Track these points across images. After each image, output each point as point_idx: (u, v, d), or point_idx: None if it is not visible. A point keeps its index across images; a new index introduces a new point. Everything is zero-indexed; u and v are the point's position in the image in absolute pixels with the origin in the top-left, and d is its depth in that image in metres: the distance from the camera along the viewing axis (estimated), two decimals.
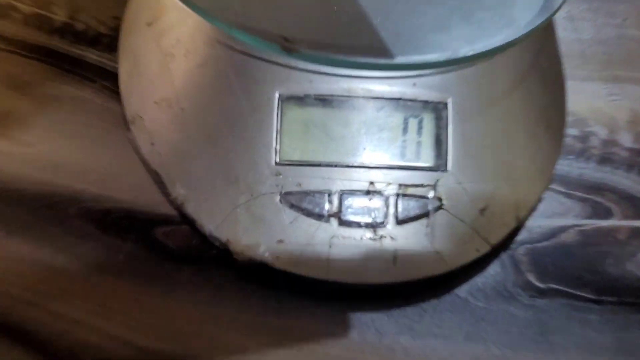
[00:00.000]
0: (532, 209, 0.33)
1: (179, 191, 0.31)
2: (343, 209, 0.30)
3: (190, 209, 0.30)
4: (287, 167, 0.30)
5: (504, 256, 0.33)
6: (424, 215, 0.30)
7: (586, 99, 0.37)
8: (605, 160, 0.36)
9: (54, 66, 0.36)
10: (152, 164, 0.31)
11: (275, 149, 0.30)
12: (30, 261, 0.31)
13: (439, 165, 0.31)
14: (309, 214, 0.30)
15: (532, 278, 0.33)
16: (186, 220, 0.31)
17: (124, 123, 0.33)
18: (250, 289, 0.32)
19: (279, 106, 0.30)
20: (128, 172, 0.33)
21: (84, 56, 0.37)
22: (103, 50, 0.37)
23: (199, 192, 0.30)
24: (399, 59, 0.28)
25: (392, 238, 0.30)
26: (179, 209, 0.31)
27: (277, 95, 0.30)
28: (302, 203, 0.30)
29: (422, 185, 0.30)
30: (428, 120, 0.31)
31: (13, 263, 0.31)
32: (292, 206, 0.30)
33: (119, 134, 0.34)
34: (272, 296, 0.32)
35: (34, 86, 0.35)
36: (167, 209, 0.32)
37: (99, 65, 0.37)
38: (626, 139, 0.36)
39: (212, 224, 0.30)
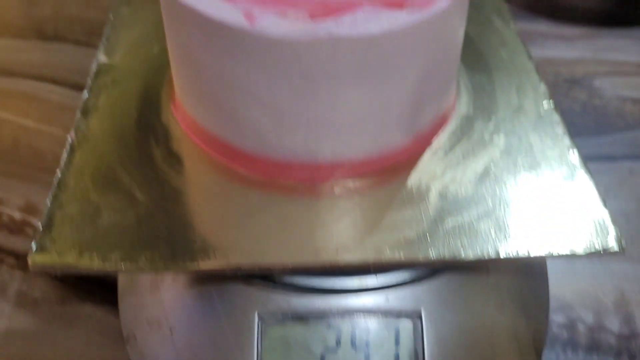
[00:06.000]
0: None
1: None
2: None
3: None
4: None
5: None
6: None
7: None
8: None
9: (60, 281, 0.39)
10: None
11: None
12: None
13: None
14: None
15: None
16: None
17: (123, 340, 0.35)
18: None
19: (259, 327, 0.32)
20: None
21: None
22: None
23: None
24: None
25: None
26: None
27: (256, 316, 0.32)
28: None
29: None
30: (403, 330, 0.32)
31: None
32: None
33: (119, 350, 0.35)
34: None
35: (40, 304, 0.38)
36: None
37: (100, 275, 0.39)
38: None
39: None
